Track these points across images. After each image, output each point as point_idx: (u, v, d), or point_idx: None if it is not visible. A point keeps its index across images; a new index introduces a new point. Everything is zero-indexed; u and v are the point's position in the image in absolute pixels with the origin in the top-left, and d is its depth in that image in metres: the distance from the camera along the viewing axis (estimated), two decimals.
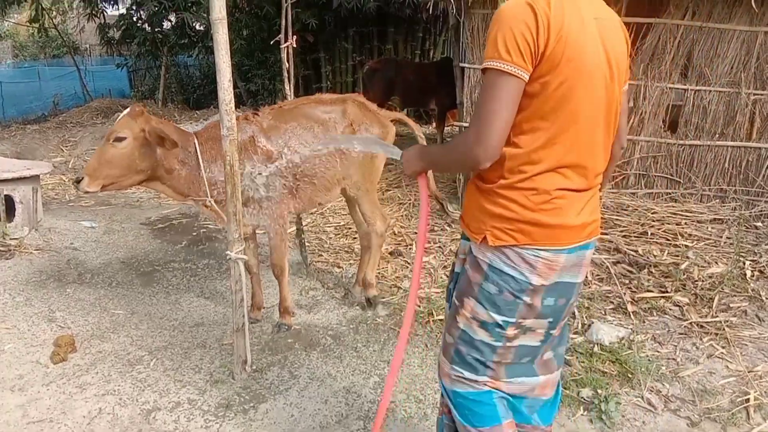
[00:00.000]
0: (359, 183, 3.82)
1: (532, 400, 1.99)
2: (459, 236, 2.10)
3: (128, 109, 3.30)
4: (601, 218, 5.08)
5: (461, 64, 6.49)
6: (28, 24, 15.23)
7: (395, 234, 5.37)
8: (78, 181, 3.25)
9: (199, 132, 3.57)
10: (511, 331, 1.82)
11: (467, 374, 1.89)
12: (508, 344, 1.84)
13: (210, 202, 3.39)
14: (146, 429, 2.81)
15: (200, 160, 3.35)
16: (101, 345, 3.55)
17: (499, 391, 1.91)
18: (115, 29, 13.40)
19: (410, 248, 4.98)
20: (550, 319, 1.86)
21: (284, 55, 3.98)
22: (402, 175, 6.97)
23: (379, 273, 4.54)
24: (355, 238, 5.30)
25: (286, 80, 4.08)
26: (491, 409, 1.90)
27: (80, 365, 3.33)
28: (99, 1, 12.80)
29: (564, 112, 1.66)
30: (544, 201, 1.71)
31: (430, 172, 2.54)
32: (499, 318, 1.80)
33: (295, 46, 3.99)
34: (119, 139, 3.21)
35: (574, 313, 3.82)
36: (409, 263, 4.72)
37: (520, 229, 1.73)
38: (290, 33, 3.95)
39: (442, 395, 2.13)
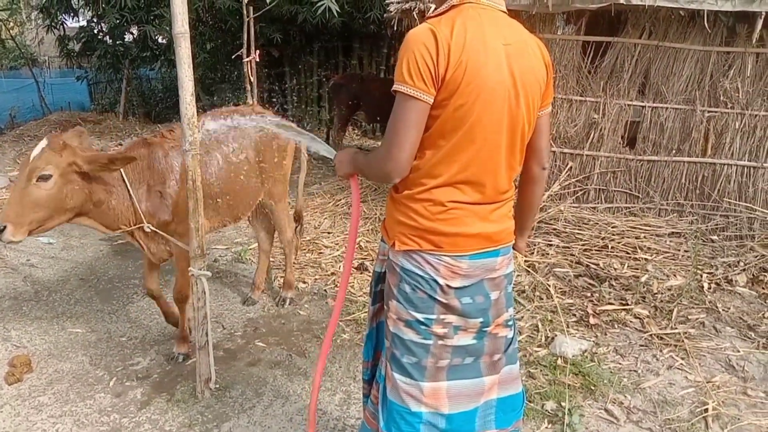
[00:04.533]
0: (276, 194, 3.99)
1: (484, 408, 2.00)
2: None
3: (45, 141, 2.87)
4: (563, 232, 5.21)
5: None
6: None
7: (361, 248, 5.36)
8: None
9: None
10: (438, 329, 1.90)
11: (406, 380, 1.93)
12: (440, 343, 1.91)
13: (148, 227, 3.19)
14: None
15: (128, 186, 3.12)
16: (59, 364, 3.45)
17: (436, 413, 1.92)
18: (75, 41, 13.15)
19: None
20: (480, 319, 1.94)
21: (247, 69, 3.97)
22: (368, 189, 6.98)
23: (348, 290, 4.52)
24: (321, 252, 5.28)
25: (249, 94, 4.06)
26: (413, 430, 1.94)
27: (36, 386, 3.23)
28: (59, 13, 12.55)
29: (461, 132, 1.77)
30: (439, 212, 1.85)
31: None
32: (419, 315, 1.90)
33: (258, 60, 3.98)
34: (44, 178, 2.81)
35: (537, 326, 3.86)
36: None
37: (421, 235, 1.87)
38: (253, 47, 3.94)
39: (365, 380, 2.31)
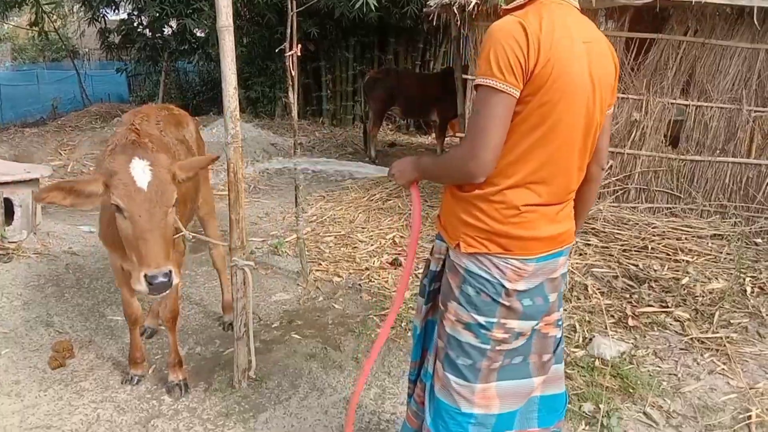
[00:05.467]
0: (209, 206, 3.87)
1: (527, 405, 1.99)
2: None
3: (145, 160, 2.44)
4: (602, 232, 5.13)
5: (463, 76, 6.50)
6: (28, 27, 15.21)
7: (395, 244, 5.36)
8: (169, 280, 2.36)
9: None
10: (498, 333, 1.85)
11: (459, 381, 1.90)
12: (497, 348, 1.87)
13: (191, 235, 3.05)
14: None
15: None
16: (99, 351, 3.52)
17: (487, 414, 1.91)
18: (115, 34, 13.40)
19: None
20: (537, 321, 1.91)
21: (289, 63, 3.97)
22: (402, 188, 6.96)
23: (380, 283, 4.53)
24: (355, 247, 5.29)
25: (290, 88, 4.07)
26: (462, 429, 1.92)
27: (78, 371, 3.30)
28: (100, 6, 12.80)
29: (541, 130, 1.71)
30: (512, 215, 1.78)
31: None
32: (481, 318, 1.84)
33: (299, 54, 3.98)
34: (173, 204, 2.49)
35: (575, 327, 3.81)
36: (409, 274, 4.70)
37: (490, 238, 1.80)
38: (295, 41, 3.95)
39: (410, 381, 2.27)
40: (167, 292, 2.43)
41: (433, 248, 2.14)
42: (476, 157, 1.68)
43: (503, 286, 1.81)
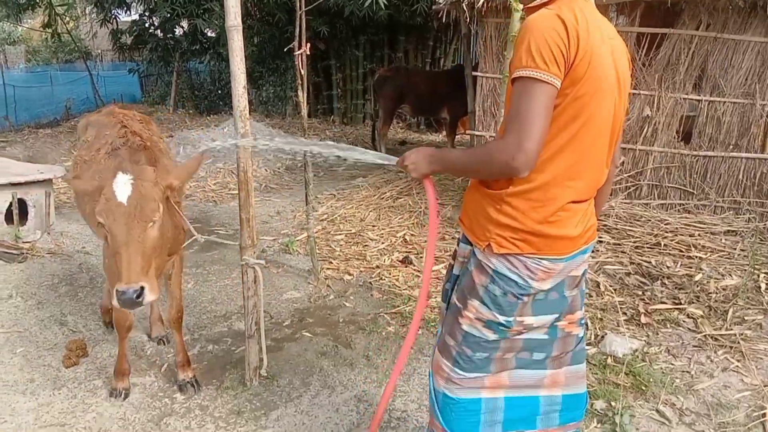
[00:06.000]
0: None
1: (548, 402, 1.98)
2: None
3: (128, 174, 2.42)
4: (614, 228, 5.10)
5: (474, 73, 6.48)
6: (42, 29, 15.34)
7: (406, 242, 5.35)
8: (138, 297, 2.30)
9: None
10: (516, 328, 1.86)
11: (470, 375, 1.90)
12: (511, 337, 1.88)
13: (201, 238, 2.90)
14: None
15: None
16: (112, 349, 3.54)
17: (495, 398, 1.92)
18: (127, 35, 13.49)
19: (421, 257, 4.96)
20: (556, 315, 1.90)
21: (298, 63, 3.98)
22: (413, 182, 6.96)
23: (390, 282, 4.53)
24: (366, 245, 5.29)
25: (300, 87, 4.08)
26: (474, 420, 1.93)
27: (92, 369, 3.33)
28: (111, 7, 12.89)
29: (576, 124, 1.69)
30: (550, 213, 1.75)
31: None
32: (502, 318, 1.84)
33: (308, 53, 3.99)
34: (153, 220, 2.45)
35: (587, 324, 3.79)
36: (420, 272, 4.70)
37: (524, 238, 1.77)
38: (304, 40, 3.95)
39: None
40: (139, 307, 2.38)
41: (455, 252, 2.09)
42: (523, 150, 1.61)
43: (530, 287, 1.80)
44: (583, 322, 2.01)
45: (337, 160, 2.72)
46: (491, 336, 1.87)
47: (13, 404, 2.99)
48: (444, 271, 3.02)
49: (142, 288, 2.32)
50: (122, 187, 2.38)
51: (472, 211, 1.92)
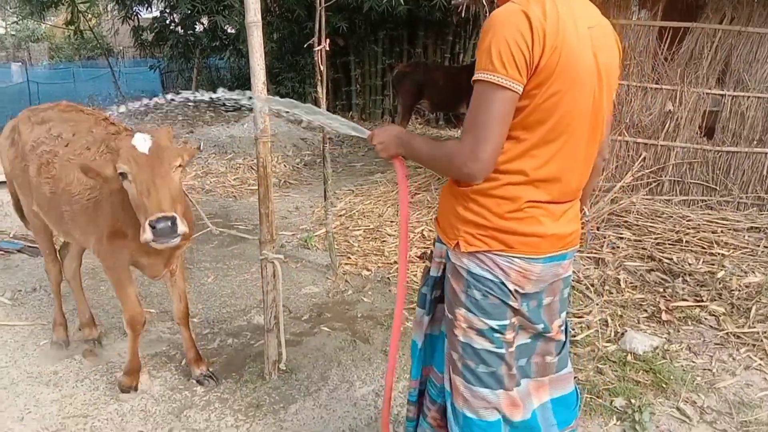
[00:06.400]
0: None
1: (542, 411, 1.93)
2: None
3: (148, 136, 2.50)
4: (635, 225, 5.05)
5: None
6: (65, 26, 15.56)
7: (423, 237, 5.35)
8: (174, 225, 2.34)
9: None
10: (509, 334, 1.78)
11: (483, 391, 1.80)
12: (510, 350, 1.80)
13: (215, 229, 3.16)
14: (178, 426, 2.84)
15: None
16: None
17: (512, 420, 1.83)
18: (148, 32, 13.63)
19: None
20: (541, 325, 1.83)
21: (318, 59, 3.99)
22: (431, 178, 6.96)
23: (408, 277, 4.53)
24: (384, 240, 5.30)
25: (319, 83, 4.09)
26: None
27: (113, 362, 3.38)
28: (133, 4, 13.02)
29: (548, 124, 1.62)
30: (515, 209, 1.68)
31: None
32: (492, 323, 1.75)
33: (327, 49, 3.99)
34: (178, 169, 2.56)
35: (606, 321, 3.76)
36: None
37: (492, 235, 1.70)
38: (323, 36, 3.96)
39: (430, 401, 2.10)
40: (174, 240, 2.39)
41: (431, 252, 2.01)
42: (477, 159, 1.57)
43: (507, 288, 1.72)
44: (563, 327, 1.94)
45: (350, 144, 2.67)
46: (489, 346, 1.77)
47: (37, 395, 3.05)
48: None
49: (175, 217, 2.34)
50: (141, 141, 2.46)
51: (443, 210, 1.86)
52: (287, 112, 2.26)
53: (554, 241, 1.73)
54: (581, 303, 4.03)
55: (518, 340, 1.83)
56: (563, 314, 1.93)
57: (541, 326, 1.83)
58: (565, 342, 1.96)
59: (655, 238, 4.91)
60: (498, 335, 1.76)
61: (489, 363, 1.78)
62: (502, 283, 1.72)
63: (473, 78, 1.59)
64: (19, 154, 3.19)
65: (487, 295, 1.73)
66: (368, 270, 4.72)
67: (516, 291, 1.73)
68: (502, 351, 1.78)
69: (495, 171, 1.65)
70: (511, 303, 1.74)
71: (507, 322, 1.76)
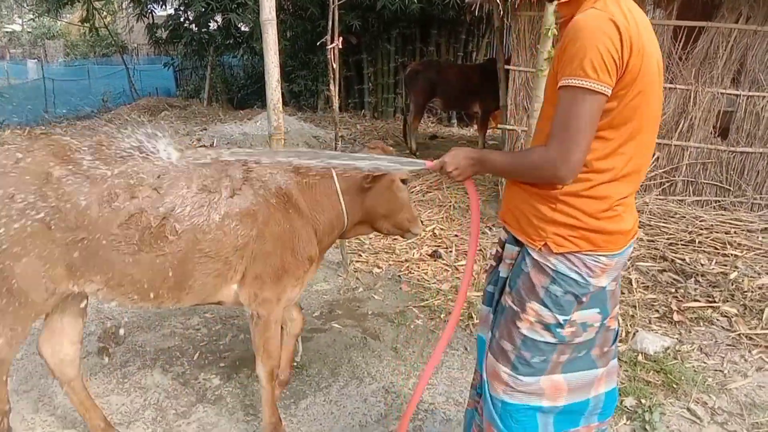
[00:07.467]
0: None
1: (595, 401, 1.98)
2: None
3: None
4: (647, 225, 5.03)
5: (506, 67, 6.44)
6: (80, 24, 15.69)
7: (435, 236, 5.36)
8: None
9: None
10: (569, 329, 1.84)
11: (527, 379, 1.88)
12: (569, 341, 1.86)
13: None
14: (189, 420, 2.87)
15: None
16: (146, 336, 3.63)
17: (554, 406, 1.90)
18: (162, 29, 13.70)
19: (450, 251, 4.96)
20: (598, 309, 1.87)
21: (330, 56, 4.00)
22: (442, 177, 6.94)
23: (419, 275, 4.55)
24: (395, 238, 5.31)
25: (331, 81, 4.11)
26: (533, 425, 1.92)
27: (126, 356, 3.41)
28: (147, 2, 13.10)
29: (634, 122, 1.68)
30: (607, 208, 1.74)
31: None
32: (561, 318, 1.82)
33: (341, 47, 4.00)
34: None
35: (618, 321, 3.75)
36: (448, 266, 4.70)
37: (583, 236, 1.75)
38: (336, 34, 3.97)
39: (477, 394, 2.16)
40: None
41: (500, 253, 2.04)
42: (568, 162, 1.64)
43: (589, 284, 1.78)
44: (617, 317, 2.01)
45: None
46: (550, 339, 1.84)
47: (50, 388, 3.09)
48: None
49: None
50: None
51: (519, 211, 1.88)
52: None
53: (629, 234, 1.82)
54: None
55: (586, 336, 1.88)
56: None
57: (598, 311, 1.88)
58: (617, 332, 2.03)
59: (668, 239, 4.89)
60: (560, 329, 1.84)
61: (544, 353, 1.87)
62: (585, 282, 1.78)
63: (560, 84, 1.64)
64: None
65: (567, 292, 1.80)
66: (379, 268, 4.74)
67: (598, 286, 1.80)
68: (559, 342, 1.86)
69: (585, 171, 1.71)
70: (583, 299, 1.81)
71: (568, 317, 1.83)
